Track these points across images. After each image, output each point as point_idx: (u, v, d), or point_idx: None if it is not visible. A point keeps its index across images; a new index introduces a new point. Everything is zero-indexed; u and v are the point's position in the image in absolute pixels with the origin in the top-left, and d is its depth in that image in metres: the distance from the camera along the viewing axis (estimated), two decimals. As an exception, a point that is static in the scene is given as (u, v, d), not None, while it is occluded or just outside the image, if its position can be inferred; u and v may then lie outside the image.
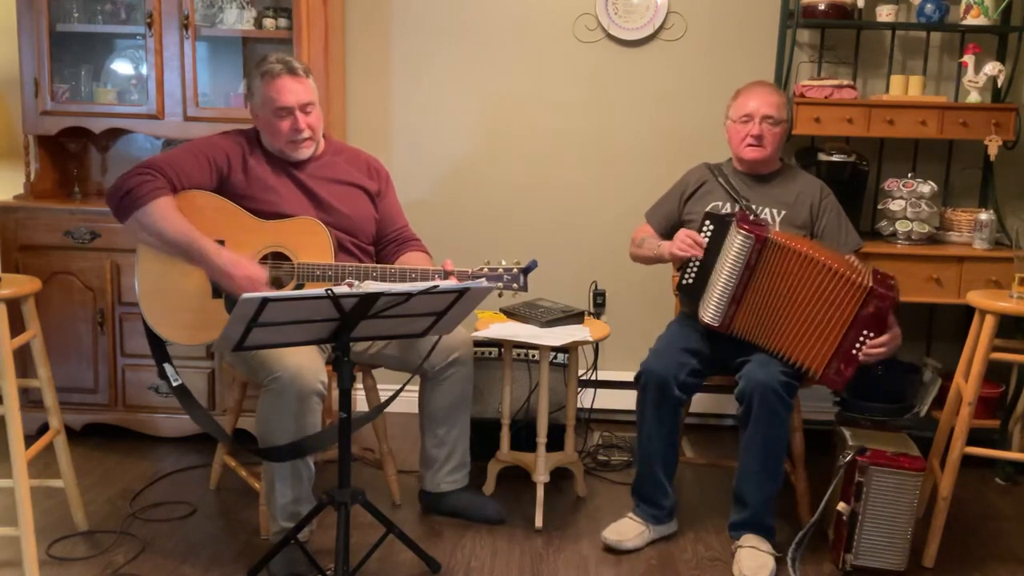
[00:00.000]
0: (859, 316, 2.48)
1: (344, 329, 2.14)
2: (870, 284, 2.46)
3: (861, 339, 2.49)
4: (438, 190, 3.66)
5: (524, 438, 3.01)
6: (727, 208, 2.77)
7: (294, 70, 2.60)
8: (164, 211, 2.45)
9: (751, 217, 2.62)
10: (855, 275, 2.48)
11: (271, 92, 2.57)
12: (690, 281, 2.68)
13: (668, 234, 2.83)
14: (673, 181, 2.97)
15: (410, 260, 2.74)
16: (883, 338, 2.49)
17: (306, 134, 2.62)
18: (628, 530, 2.65)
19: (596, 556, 2.62)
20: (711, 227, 2.64)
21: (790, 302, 2.55)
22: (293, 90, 2.58)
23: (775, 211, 2.77)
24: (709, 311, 2.63)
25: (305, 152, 2.65)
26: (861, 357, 2.50)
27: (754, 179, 2.84)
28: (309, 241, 2.58)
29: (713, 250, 2.63)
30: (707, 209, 2.74)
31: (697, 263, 2.65)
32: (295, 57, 2.77)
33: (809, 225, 2.78)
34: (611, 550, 2.62)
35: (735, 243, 2.57)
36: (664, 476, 2.67)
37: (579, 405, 3.02)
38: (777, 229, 2.69)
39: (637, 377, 2.65)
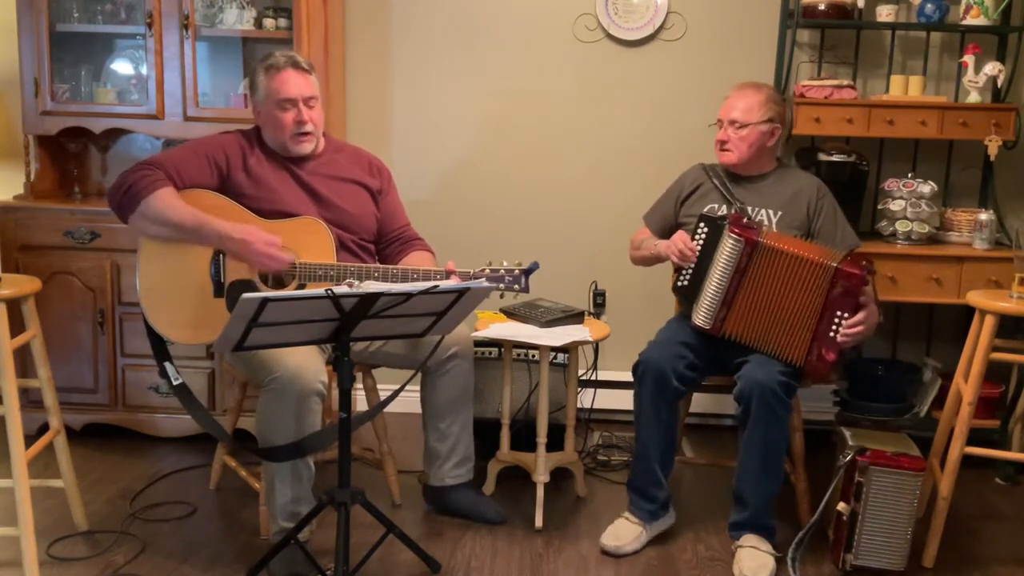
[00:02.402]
0: (830, 298, 2.50)
1: (344, 329, 2.14)
2: (835, 265, 2.48)
3: (836, 320, 2.51)
4: (438, 190, 3.66)
5: (524, 438, 3.00)
6: (723, 210, 2.77)
7: (298, 64, 2.62)
8: (168, 199, 2.46)
9: (744, 220, 2.63)
10: (823, 258, 2.51)
11: (275, 84, 2.59)
12: (684, 283, 2.69)
13: (665, 237, 2.83)
14: (672, 180, 2.97)
15: (415, 260, 2.74)
16: (858, 317, 2.50)
17: (309, 127, 2.63)
18: (625, 533, 2.65)
19: (596, 556, 2.62)
20: (705, 229, 2.66)
21: (778, 301, 2.56)
22: (297, 83, 2.60)
23: (771, 212, 2.77)
24: (700, 314, 2.64)
25: (307, 146, 2.66)
26: (840, 339, 2.51)
27: (748, 180, 2.84)
28: (311, 241, 2.58)
29: (707, 253, 2.64)
30: (703, 211, 2.75)
31: (691, 265, 2.66)
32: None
33: (806, 224, 2.78)
34: (610, 555, 2.62)
35: (726, 246, 2.58)
36: (660, 470, 2.66)
37: (579, 405, 3.02)
38: (773, 230, 2.69)
39: (635, 368, 2.65)
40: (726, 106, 2.80)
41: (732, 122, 2.76)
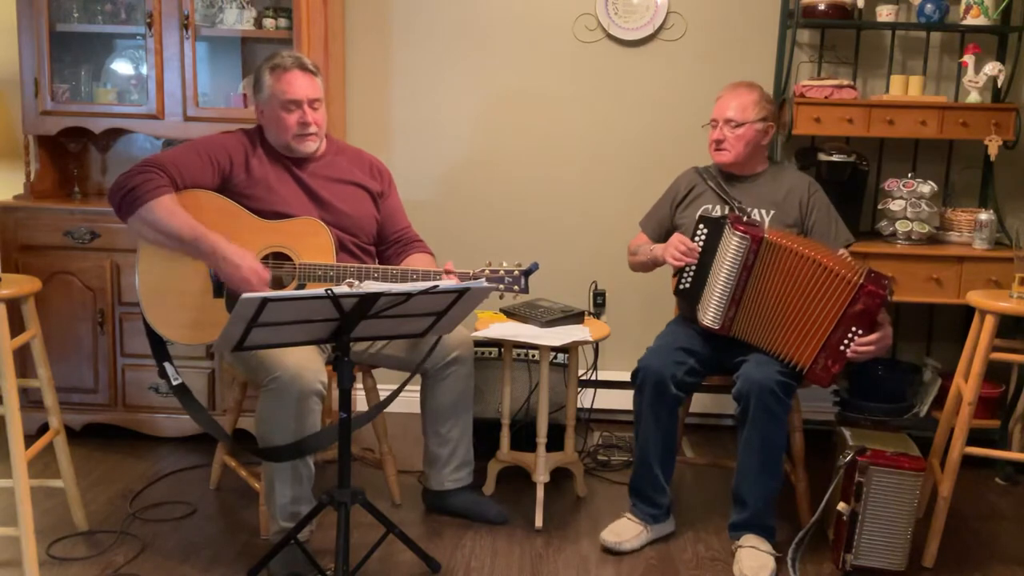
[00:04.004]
0: (848, 312, 2.47)
1: (344, 329, 2.15)
2: (861, 281, 2.45)
3: (849, 336, 2.48)
4: (438, 190, 3.66)
5: (524, 438, 3.01)
6: (718, 211, 2.77)
7: (304, 66, 2.62)
8: (169, 207, 2.45)
9: (744, 218, 2.63)
10: (847, 271, 2.48)
11: (282, 85, 2.58)
12: (687, 286, 2.68)
13: (662, 241, 2.83)
14: (669, 183, 2.97)
15: (415, 262, 2.74)
16: (872, 337, 2.48)
17: (313, 129, 2.63)
18: (626, 530, 2.65)
19: (596, 556, 2.62)
20: (705, 230, 2.65)
21: (786, 301, 2.55)
22: (303, 85, 2.60)
23: (764, 211, 2.77)
24: (709, 314, 2.64)
25: (311, 147, 2.66)
26: (849, 354, 2.49)
27: (740, 180, 2.84)
28: (310, 241, 2.58)
29: (709, 253, 2.63)
30: (699, 213, 2.75)
31: (693, 267, 2.66)
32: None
33: (799, 222, 2.78)
34: (610, 552, 2.62)
35: (731, 245, 2.58)
36: (662, 475, 2.67)
37: (579, 405, 3.02)
38: (768, 228, 2.69)
39: (634, 375, 2.65)
40: (720, 105, 2.80)
41: (728, 121, 2.76)
